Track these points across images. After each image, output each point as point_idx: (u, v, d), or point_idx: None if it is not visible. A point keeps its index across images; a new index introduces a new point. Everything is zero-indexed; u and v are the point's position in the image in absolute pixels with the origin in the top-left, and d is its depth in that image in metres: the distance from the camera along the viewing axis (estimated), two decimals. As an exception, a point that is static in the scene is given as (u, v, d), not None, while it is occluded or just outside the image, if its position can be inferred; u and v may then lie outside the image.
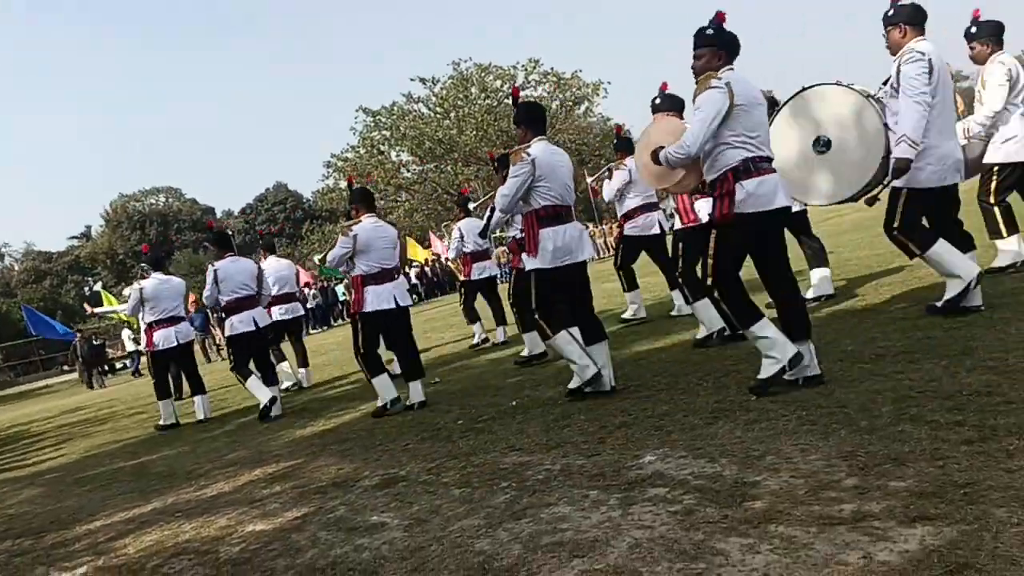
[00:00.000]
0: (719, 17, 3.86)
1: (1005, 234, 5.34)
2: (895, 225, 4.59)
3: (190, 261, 63.14)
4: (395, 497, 3.32)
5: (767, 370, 3.68)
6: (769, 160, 3.82)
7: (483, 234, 5.58)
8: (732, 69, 3.84)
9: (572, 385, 4.54)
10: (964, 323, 4.15)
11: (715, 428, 3.28)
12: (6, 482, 6.67)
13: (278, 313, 8.29)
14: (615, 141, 7.93)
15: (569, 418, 4.08)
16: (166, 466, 5.48)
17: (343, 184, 50.74)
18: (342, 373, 9.12)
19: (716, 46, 3.86)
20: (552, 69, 48.97)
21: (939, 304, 4.45)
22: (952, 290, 4.35)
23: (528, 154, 4.43)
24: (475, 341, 8.95)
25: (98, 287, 31.04)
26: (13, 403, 23.05)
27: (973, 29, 5.57)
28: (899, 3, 4.56)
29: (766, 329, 3.74)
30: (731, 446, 2.98)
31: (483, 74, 48.32)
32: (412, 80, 50.68)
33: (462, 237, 8.51)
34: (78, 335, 21.94)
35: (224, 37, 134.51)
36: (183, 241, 71.80)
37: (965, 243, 4.60)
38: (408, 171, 51.16)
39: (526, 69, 48.60)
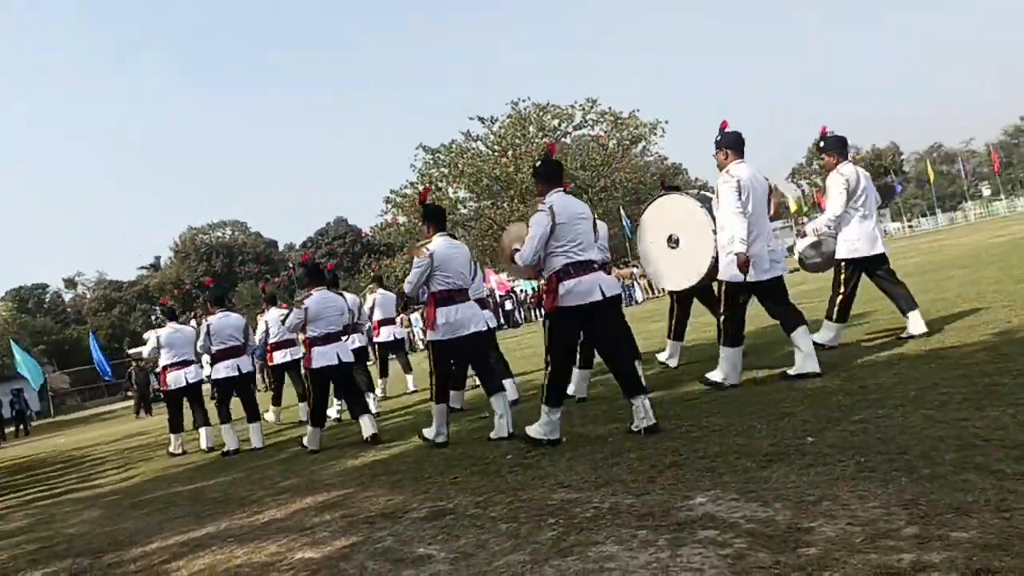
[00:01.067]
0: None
1: (834, 319, 6.38)
2: (722, 312, 5.63)
3: (252, 292, 65.08)
4: (442, 530, 3.32)
5: (536, 432, 4.77)
6: (586, 264, 4.68)
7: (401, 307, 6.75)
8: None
9: (438, 440, 5.56)
10: (1035, 371, 3.97)
11: (769, 471, 3.19)
12: (69, 503, 6.90)
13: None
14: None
15: (619, 456, 4.03)
16: (221, 492, 5.60)
17: (401, 219, 51.88)
18: (392, 406, 9.19)
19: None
20: (610, 108, 49.24)
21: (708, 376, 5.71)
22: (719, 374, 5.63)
23: (428, 249, 5.39)
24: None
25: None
26: (79, 427, 23.90)
27: (822, 143, 6.63)
28: (725, 131, 5.56)
29: (555, 414, 4.75)
30: (785, 490, 2.89)
31: (541, 113, 48.94)
32: (471, 119, 51.72)
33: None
34: (134, 364, 22.80)
35: (289, 76, 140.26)
36: (246, 272, 74.12)
37: (794, 320, 5.43)
38: (465, 207, 51.90)
39: (583, 108, 49.03)
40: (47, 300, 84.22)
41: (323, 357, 6.53)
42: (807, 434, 3.65)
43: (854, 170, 6.31)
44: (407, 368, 10.85)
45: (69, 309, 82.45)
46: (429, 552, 3.05)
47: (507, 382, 6.94)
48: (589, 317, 4.67)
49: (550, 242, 4.63)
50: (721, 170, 5.44)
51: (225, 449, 7.80)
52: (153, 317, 60.25)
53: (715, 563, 2.33)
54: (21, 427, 25.80)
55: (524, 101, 48.70)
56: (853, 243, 6.15)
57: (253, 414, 7.87)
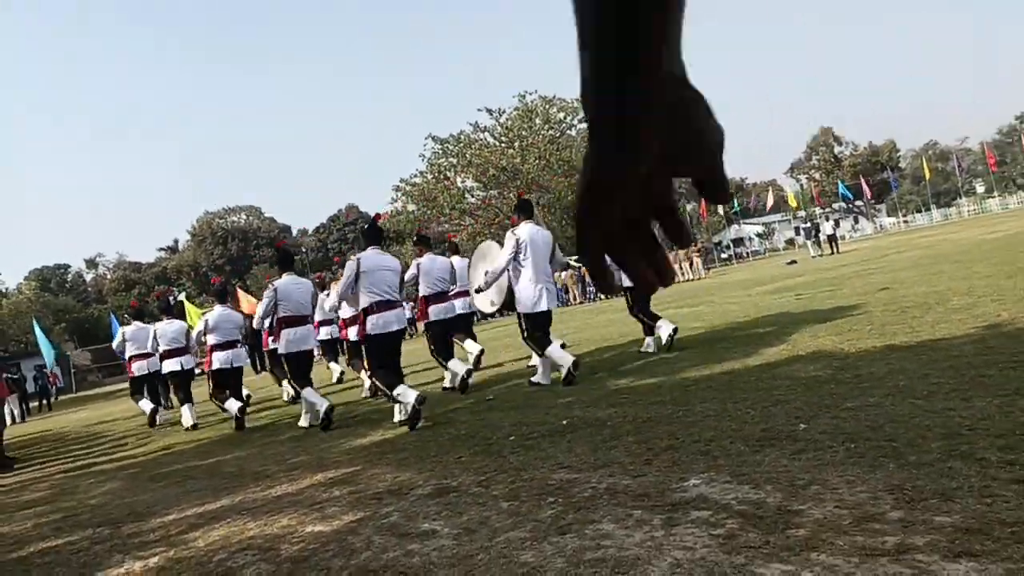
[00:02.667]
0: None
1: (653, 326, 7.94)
2: (524, 333, 7.20)
3: (266, 275, 65.63)
4: (446, 506, 3.46)
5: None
6: (389, 302, 6.39)
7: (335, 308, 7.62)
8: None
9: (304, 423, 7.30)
10: (1019, 363, 4.06)
11: (761, 456, 3.31)
12: (91, 475, 7.09)
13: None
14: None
15: (617, 439, 4.15)
16: (236, 466, 5.77)
17: (411, 207, 52.02)
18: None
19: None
20: (615, 102, 49.25)
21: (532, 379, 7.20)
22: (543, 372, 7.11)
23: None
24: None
25: (182, 297, 32.64)
26: (100, 402, 24.21)
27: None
28: (521, 198, 7.72)
29: (408, 395, 5.99)
30: (776, 474, 3.01)
31: (547, 106, 49.01)
32: (479, 110, 51.81)
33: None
34: None
35: (302, 64, 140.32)
36: (261, 256, 74.56)
37: (545, 341, 7.08)
38: (472, 197, 51.99)
39: (588, 102, 49.01)
40: (69, 280, 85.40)
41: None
42: (799, 420, 3.76)
43: (528, 230, 7.67)
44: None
45: (90, 289, 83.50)
46: (433, 527, 3.18)
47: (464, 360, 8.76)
48: (392, 340, 6.44)
49: (357, 285, 6.39)
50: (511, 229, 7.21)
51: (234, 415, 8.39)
52: (171, 298, 61.16)
53: (707, 542, 2.45)
54: (44, 402, 26.32)
55: (531, 94, 48.81)
56: (526, 298, 7.19)
57: (238, 399, 8.80)
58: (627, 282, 6.92)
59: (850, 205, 69.74)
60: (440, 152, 49.74)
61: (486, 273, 7.37)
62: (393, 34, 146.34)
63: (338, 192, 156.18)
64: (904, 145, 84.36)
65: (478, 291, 7.92)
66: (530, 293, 6.98)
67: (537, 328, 7.01)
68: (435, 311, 8.07)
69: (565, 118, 49.78)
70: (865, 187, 56.36)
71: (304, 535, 3.43)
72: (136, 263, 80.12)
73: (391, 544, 3.06)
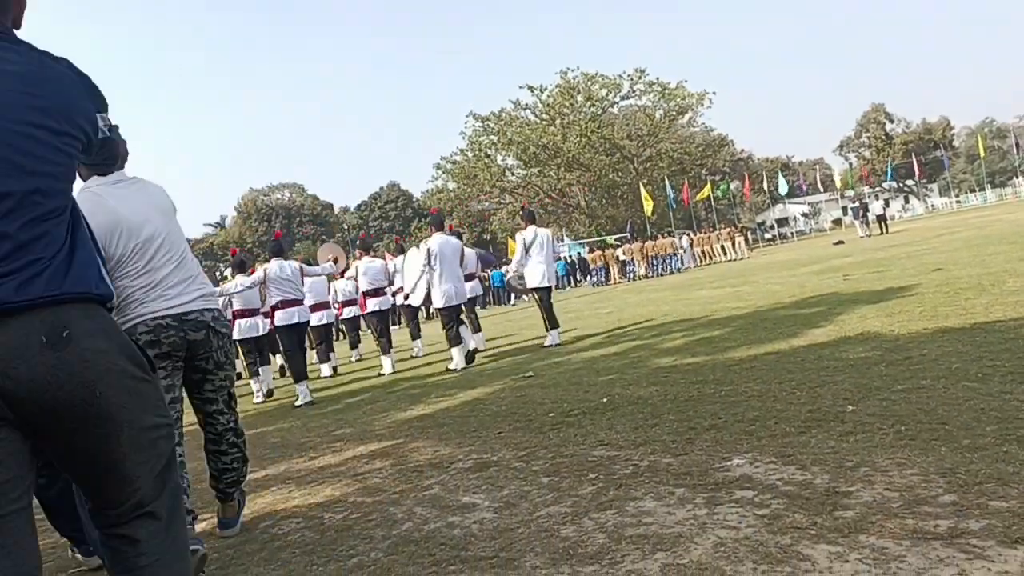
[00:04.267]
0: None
1: (548, 327, 9.28)
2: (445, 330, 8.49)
3: (308, 252, 66.81)
4: (487, 480, 3.47)
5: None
6: (294, 300, 8.16)
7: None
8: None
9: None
10: (1091, 347, 3.91)
11: (807, 437, 3.25)
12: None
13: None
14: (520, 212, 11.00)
15: (659, 418, 4.12)
16: (280, 438, 5.89)
17: (451, 185, 52.19)
18: (444, 363, 9.42)
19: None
20: (658, 79, 48.53)
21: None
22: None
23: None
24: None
25: (228, 273, 33.46)
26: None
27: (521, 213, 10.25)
28: (433, 214, 9.45)
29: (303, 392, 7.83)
30: (824, 455, 2.95)
31: (589, 83, 48.45)
32: (521, 87, 51.58)
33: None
34: None
35: (346, 42, 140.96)
36: (303, 233, 75.85)
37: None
38: (513, 175, 51.87)
39: (632, 79, 48.38)
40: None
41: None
42: (847, 402, 3.68)
43: (534, 230, 9.50)
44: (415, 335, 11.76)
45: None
46: (474, 500, 3.20)
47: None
48: (298, 329, 8.25)
49: (271, 286, 8.20)
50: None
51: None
52: (217, 274, 62.92)
53: (751, 522, 2.41)
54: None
55: (573, 71, 48.34)
56: (534, 277, 9.30)
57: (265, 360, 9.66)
58: (532, 283, 8.31)
59: (900, 184, 67.82)
60: (481, 130, 49.65)
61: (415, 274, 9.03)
62: (438, 9, 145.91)
63: (379, 170, 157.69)
64: (959, 122, 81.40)
65: (408, 295, 9.63)
66: (440, 292, 8.42)
67: (449, 319, 8.46)
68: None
69: (607, 95, 49.20)
70: (916, 166, 54.56)
71: (347, 505, 3.49)
72: (186, 239, 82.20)
73: (432, 516, 3.09)
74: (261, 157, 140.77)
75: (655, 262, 29.54)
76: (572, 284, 32.97)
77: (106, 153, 1.93)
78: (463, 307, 9.01)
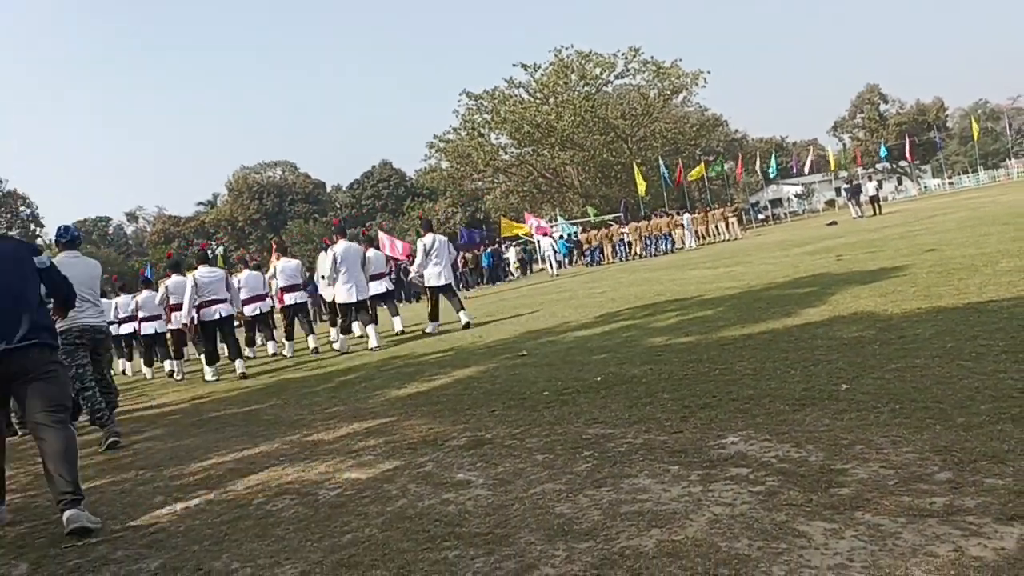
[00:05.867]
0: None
1: (430, 319, 10.95)
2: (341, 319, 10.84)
3: (300, 230, 66.52)
4: (481, 458, 3.47)
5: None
6: (215, 300, 9.65)
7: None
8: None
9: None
10: (1084, 327, 3.92)
11: (802, 415, 3.25)
12: (133, 421, 7.30)
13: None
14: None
15: (652, 396, 4.12)
16: (273, 415, 5.88)
17: (444, 164, 51.83)
18: (438, 342, 9.41)
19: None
20: (652, 58, 48.16)
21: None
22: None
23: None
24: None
25: (219, 251, 33.32)
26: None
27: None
28: (336, 224, 12.29)
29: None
30: (818, 433, 2.95)
31: (583, 61, 48.03)
32: (514, 66, 51.10)
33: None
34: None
35: (335, 24, 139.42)
36: (295, 212, 75.36)
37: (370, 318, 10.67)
38: (506, 154, 51.58)
39: (626, 57, 48.03)
40: (110, 232, 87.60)
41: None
42: (841, 381, 3.68)
43: (432, 237, 11.06)
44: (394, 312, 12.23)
45: (131, 241, 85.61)
46: (468, 478, 3.20)
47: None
48: (225, 323, 9.79)
49: (194, 291, 9.60)
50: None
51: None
52: (209, 252, 63.06)
53: (747, 499, 2.41)
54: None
55: (567, 49, 47.89)
56: (431, 278, 10.93)
57: (237, 351, 10.09)
58: (431, 282, 10.84)
59: (894, 166, 67.79)
60: (474, 108, 49.26)
61: (323, 278, 11.13)
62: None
63: (372, 149, 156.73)
64: (953, 103, 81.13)
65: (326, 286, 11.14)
66: (344, 291, 10.17)
67: (343, 314, 10.60)
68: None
69: (601, 74, 48.83)
70: (909, 147, 54.51)
71: (341, 481, 3.48)
72: (176, 217, 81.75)
73: (427, 492, 3.08)
74: (253, 135, 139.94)
75: (648, 242, 29.51)
76: (572, 263, 32.72)
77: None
78: (371, 300, 10.88)
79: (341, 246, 10.24)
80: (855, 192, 30.62)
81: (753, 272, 11.23)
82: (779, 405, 3.47)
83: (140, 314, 12.95)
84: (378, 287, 11.43)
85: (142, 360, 14.07)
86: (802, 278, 9.01)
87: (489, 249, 31.56)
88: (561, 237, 34.00)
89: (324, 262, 10.60)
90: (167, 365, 12.34)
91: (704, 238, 31.81)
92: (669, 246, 29.04)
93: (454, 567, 2.27)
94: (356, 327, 11.61)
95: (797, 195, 67.04)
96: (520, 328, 9.24)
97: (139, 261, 63.59)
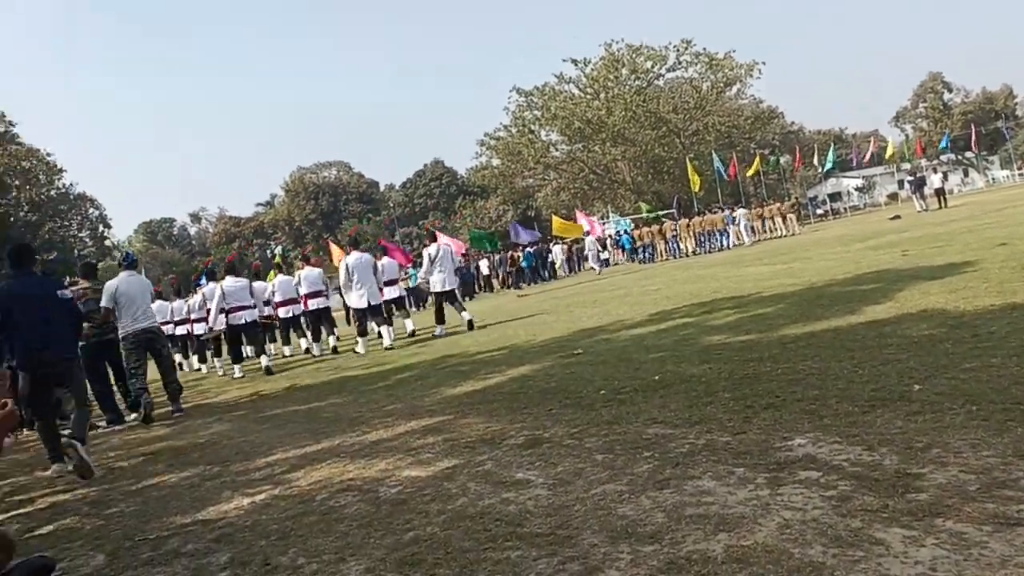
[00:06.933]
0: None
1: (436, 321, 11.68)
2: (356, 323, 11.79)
3: (355, 230, 67.55)
4: (540, 457, 3.45)
5: None
6: (241, 307, 11.12)
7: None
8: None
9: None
10: None
11: (873, 416, 3.14)
12: (200, 414, 7.53)
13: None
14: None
15: (713, 396, 4.04)
16: (333, 412, 5.98)
17: (495, 162, 51.94)
18: (492, 341, 9.44)
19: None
20: (704, 50, 47.23)
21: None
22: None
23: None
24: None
25: (278, 251, 34.24)
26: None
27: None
28: (352, 235, 12.99)
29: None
30: (891, 435, 2.85)
31: (634, 55, 47.46)
32: (564, 61, 50.91)
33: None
34: None
35: (390, 25, 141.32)
36: (350, 212, 76.63)
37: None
38: (557, 150, 51.41)
39: (678, 50, 47.30)
40: (175, 233, 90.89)
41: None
42: (913, 381, 3.55)
43: (437, 246, 12.00)
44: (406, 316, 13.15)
45: (194, 242, 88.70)
46: (528, 477, 3.19)
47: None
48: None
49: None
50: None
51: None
52: (268, 252, 65.07)
53: (818, 503, 2.34)
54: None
55: (618, 42, 47.37)
56: (435, 284, 11.83)
57: (260, 350, 11.80)
58: (436, 288, 11.83)
59: (959, 157, 65.17)
60: (524, 105, 49.21)
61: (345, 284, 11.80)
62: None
63: (424, 147, 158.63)
64: (1021, 91, 77.49)
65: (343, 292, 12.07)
66: (356, 297, 11.12)
67: (358, 319, 11.38)
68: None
69: (653, 67, 48.20)
70: (975, 137, 52.28)
71: (401, 479, 3.51)
72: (236, 217, 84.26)
73: (486, 491, 3.08)
74: (309, 136, 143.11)
75: (702, 238, 29.04)
76: (634, 260, 32.00)
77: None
78: (385, 305, 12.07)
79: (353, 257, 11.28)
80: (919, 185, 29.58)
81: (813, 268, 10.95)
82: (847, 406, 3.36)
83: (191, 316, 13.97)
84: (391, 292, 12.42)
85: (196, 357, 14.83)
86: (866, 274, 8.74)
87: (530, 249, 31.46)
88: (625, 233, 33.77)
89: (343, 273, 11.59)
90: (216, 364, 13.20)
91: (760, 234, 31.13)
92: (725, 242, 28.50)
93: (517, 567, 2.26)
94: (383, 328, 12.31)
95: (857, 188, 65.01)
96: (574, 326, 9.20)
97: (201, 261, 65.73)
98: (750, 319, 6.79)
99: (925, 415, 3.02)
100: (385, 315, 12.02)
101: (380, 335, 11.49)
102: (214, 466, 4.66)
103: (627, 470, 3.03)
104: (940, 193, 28.44)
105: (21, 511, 4.37)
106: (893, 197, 57.19)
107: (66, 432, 5.68)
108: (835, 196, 60.27)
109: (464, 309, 11.82)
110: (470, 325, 11.29)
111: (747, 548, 2.11)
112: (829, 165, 45.81)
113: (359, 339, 11.18)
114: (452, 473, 3.45)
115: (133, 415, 7.92)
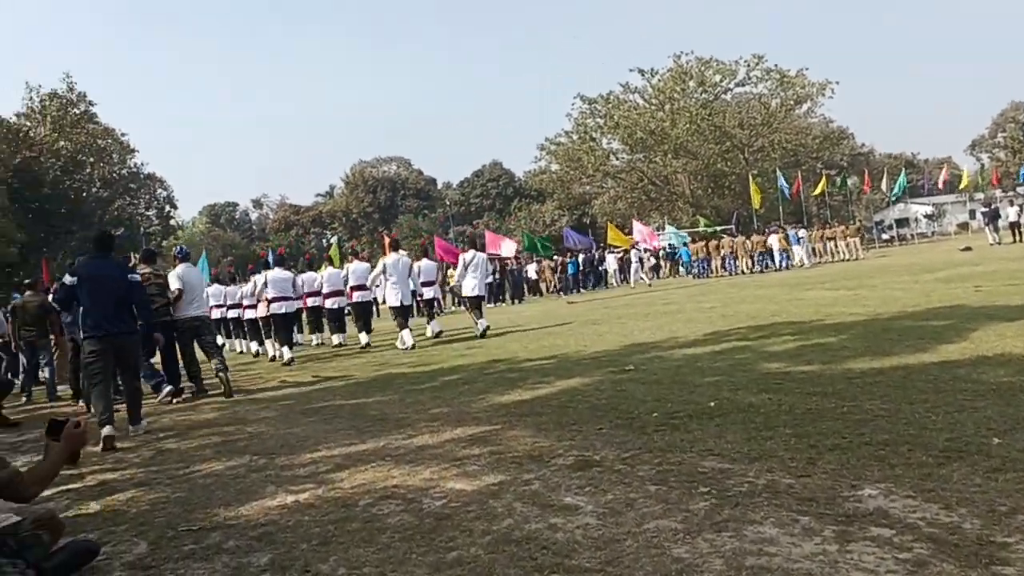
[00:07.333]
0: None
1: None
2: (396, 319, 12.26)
3: (410, 225, 68.42)
4: (589, 481, 3.34)
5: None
6: (284, 297, 11.91)
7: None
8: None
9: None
10: None
11: (948, 470, 2.94)
12: (251, 402, 7.62)
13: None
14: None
15: (773, 430, 3.87)
16: (379, 411, 5.96)
17: (554, 167, 51.84)
18: (541, 348, 9.34)
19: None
20: (776, 66, 46.20)
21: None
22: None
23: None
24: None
25: (333, 240, 34.89)
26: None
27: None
28: (394, 238, 14.80)
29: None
30: (970, 495, 2.65)
31: (703, 68, 46.77)
32: (631, 71, 50.46)
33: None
34: None
35: (457, 25, 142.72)
36: (407, 207, 77.52)
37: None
38: (617, 159, 51.01)
39: (748, 65, 46.38)
40: (236, 217, 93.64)
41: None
42: (992, 433, 3.33)
43: (473, 253, 12.87)
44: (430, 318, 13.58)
45: (255, 227, 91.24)
46: (576, 502, 3.08)
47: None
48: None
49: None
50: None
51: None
52: (324, 241, 66.52)
53: (891, 567, 2.17)
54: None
55: (687, 54, 46.68)
56: (466, 288, 12.69)
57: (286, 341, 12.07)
58: (466, 292, 12.72)
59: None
60: (588, 112, 48.96)
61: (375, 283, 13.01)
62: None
63: (483, 148, 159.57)
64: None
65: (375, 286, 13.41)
66: (393, 295, 11.91)
67: (399, 315, 11.86)
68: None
69: (721, 81, 47.41)
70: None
71: (446, 491, 3.44)
72: (296, 205, 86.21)
73: (533, 514, 2.98)
74: (370, 130, 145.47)
75: (761, 256, 28.38)
76: (697, 274, 31.22)
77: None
78: (420, 303, 13.69)
79: (392, 258, 12.16)
80: (994, 216, 28.34)
81: (878, 297, 10.54)
82: (921, 455, 3.16)
83: (244, 301, 14.49)
84: (428, 293, 13.23)
85: (252, 343, 15.16)
86: (936, 308, 8.36)
87: (581, 256, 31.17)
88: (684, 245, 33.33)
89: (376, 270, 12.59)
90: (268, 347, 13.52)
91: (821, 256, 30.28)
92: (785, 263, 27.80)
93: (564, 605, 2.16)
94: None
95: (927, 215, 62.73)
96: (625, 339, 9.03)
97: (260, 246, 67.39)
98: (812, 348, 6.54)
99: (1007, 473, 2.81)
100: (428, 314, 13.32)
101: (402, 336, 11.89)
102: (260, 457, 4.67)
103: (682, 505, 2.89)
104: (1016, 227, 27.23)
105: (70, 487, 4.44)
106: (963, 227, 55.08)
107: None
108: (902, 222, 58.29)
109: (482, 317, 12.47)
110: (483, 333, 11.82)
111: (813, 610, 1.97)
112: (899, 190, 44.27)
113: (402, 332, 11.65)
114: (498, 490, 3.37)
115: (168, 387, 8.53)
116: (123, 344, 6.11)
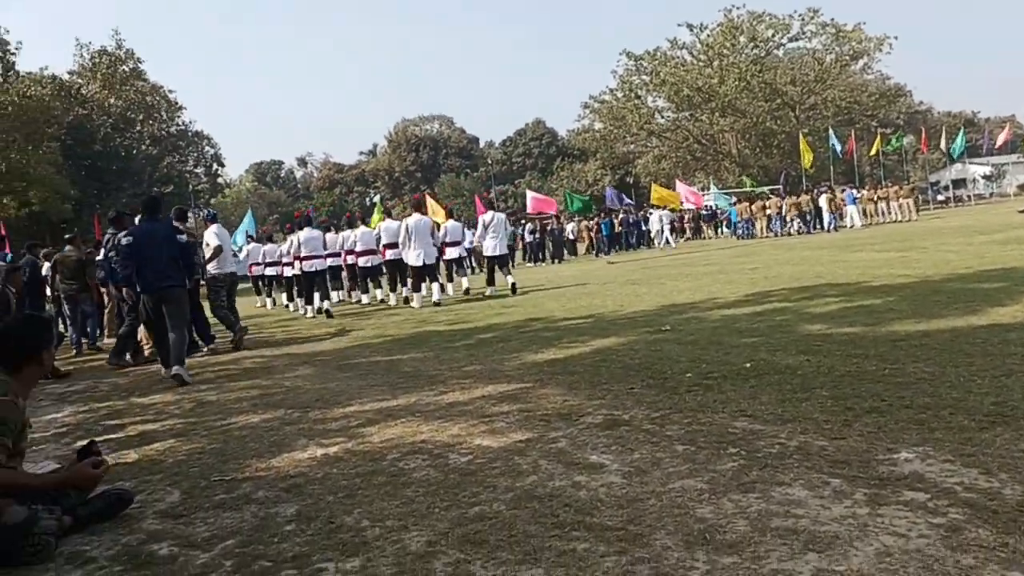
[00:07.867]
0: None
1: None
2: (413, 280, 12.68)
3: (452, 184, 68.39)
4: (616, 440, 3.30)
5: None
6: (314, 256, 12.71)
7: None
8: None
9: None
10: None
11: (991, 435, 2.82)
12: (287, 357, 7.75)
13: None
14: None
15: (809, 391, 3.77)
16: (413, 367, 6.00)
17: (598, 125, 50.95)
18: (578, 308, 9.28)
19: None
20: (832, 20, 44.23)
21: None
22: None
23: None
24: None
25: (376, 199, 35.08)
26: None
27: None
28: (415, 200, 17.57)
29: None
30: (1013, 460, 2.55)
31: (755, 22, 45.07)
32: (679, 25, 48.89)
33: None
34: None
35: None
36: (448, 166, 77.40)
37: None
38: (662, 117, 49.92)
39: (803, 19, 44.50)
40: (282, 175, 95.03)
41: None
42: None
43: (491, 214, 13.47)
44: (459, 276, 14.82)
45: (299, 185, 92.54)
46: (602, 461, 3.05)
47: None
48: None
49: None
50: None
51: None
52: (367, 200, 67.21)
53: (924, 531, 2.09)
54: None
55: (738, 8, 44.98)
56: (487, 249, 13.43)
57: (325, 294, 13.09)
58: (488, 252, 13.52)
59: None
60: (633, 69, 47.86)
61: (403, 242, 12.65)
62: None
63: (526, 107, 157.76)
64: None
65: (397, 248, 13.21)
66: (413, 256, 12.05)
67: (417, 275, 12.18)
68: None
69: (773, 36, 45.75)
70: None
71: (472, 447, 3.44)
72: (339, 164, 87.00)
73: (558, 472, 2.96)
74: (414, 89, 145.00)
75: (809, 217, 27.64)
76: (742, 235, 30.51)
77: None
78: (443, 262, 13.59)
79: (413, 219, 12.34)
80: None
81: (929, 260, 10.18)
82: (962, 419, 3.04)
83: (283, 260, 15.02)
84: (452, 253, 13.72)
85: (285, 296, 15.89)
86: (989, 271, 8.03)
87: (611, 218, 30.77)
88: (730, 206, 32.59)
89: (402, 231, 12.70)
90: (300, 304, 14.00)
91: (872, 217, 29.35)
92: (833, 223, 27.03)
93: (583, 562, 2.14)
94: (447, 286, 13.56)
95: (985, 176, 60.25)
96: (664, 299, 8.91)
97: (304, 204, 68.24)
98: (855, 310, 6.35)
99: (1055, 440, 2.68)
100: (447, 273, 13.84)
101: (433, 289, 12.39)
102: (295, 411, 4.75)
103: (709, 466, 2.84)
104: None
105: (113, 436, 4.59)
106: (1023, 188, 52.83)
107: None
108: (959, 183, 56.07)
109: (510, 274, 12.88)
110: (513, 289, 12.15)
111: (839, 574, 1.91)
112: (958, 150, 42.48)
113: (414, 294, 12.10)
114: (524, 447, 3.35)
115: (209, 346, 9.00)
116: (171, 295, 6.80)
